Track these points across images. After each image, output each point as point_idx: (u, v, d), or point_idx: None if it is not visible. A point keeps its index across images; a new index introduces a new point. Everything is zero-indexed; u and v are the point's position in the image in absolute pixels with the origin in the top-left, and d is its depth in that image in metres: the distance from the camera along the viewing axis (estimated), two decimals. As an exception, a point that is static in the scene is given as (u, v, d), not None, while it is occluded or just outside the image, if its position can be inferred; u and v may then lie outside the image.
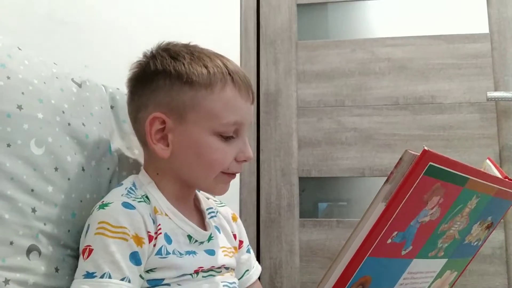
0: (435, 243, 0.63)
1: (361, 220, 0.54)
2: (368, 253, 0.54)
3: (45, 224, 0.70)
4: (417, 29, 1.59)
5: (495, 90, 1.49)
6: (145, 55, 0.81)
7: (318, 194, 1.67)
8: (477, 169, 0.61)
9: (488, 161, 0.70)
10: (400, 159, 0.53)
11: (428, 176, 0.53)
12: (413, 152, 0.53)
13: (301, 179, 1.57)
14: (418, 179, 0.53)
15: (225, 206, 0.92)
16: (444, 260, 0.68)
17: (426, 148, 0.52)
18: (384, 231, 0.54)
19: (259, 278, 0.94)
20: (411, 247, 0.59)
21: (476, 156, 1.47)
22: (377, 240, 0.54)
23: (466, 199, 0.61)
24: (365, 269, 0.55)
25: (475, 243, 0.72)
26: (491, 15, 1.52)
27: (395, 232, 0.55)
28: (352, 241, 0.54)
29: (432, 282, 0.69)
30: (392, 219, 0.53)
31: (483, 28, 1.53)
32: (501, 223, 1.43)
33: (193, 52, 0.78)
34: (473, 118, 1.50)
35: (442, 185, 0.56)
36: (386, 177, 0.55)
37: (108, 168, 0.85)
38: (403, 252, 0.59)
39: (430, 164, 0.53)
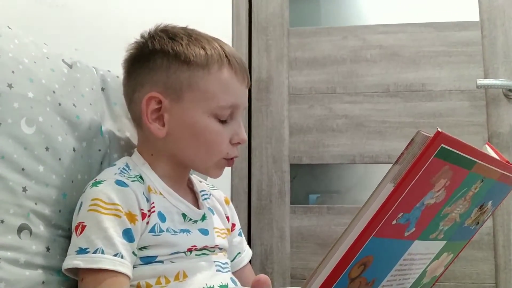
0: (437, 226, 0.62)
1: (368, 200, 0.53)
2: (373, 233, 0.53)
3: (36, 204, 0.70)
4: (408, 16, 1.59)
5: (485, 77, 1.50)
6: (142, 36, 0.80)
7: (309, 181, 1.68)
8: (485, 153, 0.60)
9: (487, 146, 0.69)
10: (412, 140, 0.52)
11: (438, 158, 0.52)
12: (425, 133, 0.51)
13: (292, 166, 1.57)
14: (429, 161, 0.51)
15: (218, 189, 0.92)
16: (443, 243, 0.67)
17: (439, 129, 0.50)
18: (390, 212, 0.53)
19: (250, 263, 0.94)
20: (414, 229, 0.58)
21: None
22: (383, 221, 0.53)
23: (471, 183, 0.60)
24: (368, 249, 0.54)
25: (473, 227, 0.72)
26: (481, 3, 1.53)
27: (401, 213, 0.54)
28: (358, 221, 0.53)
29: (430, 263, 0.69)
30: (399, 200, 0.52)
31: (473, 16, 1.53)
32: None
33: (191, 34, 0.78)
34: (462, 106, 1.51)
35: (450, 168, 0.55)
36: (396, 159, 0.53)
37: (99, 150, 0.84)
38: (406, 234, 0.58)
39: (442, 146, 0.51)
